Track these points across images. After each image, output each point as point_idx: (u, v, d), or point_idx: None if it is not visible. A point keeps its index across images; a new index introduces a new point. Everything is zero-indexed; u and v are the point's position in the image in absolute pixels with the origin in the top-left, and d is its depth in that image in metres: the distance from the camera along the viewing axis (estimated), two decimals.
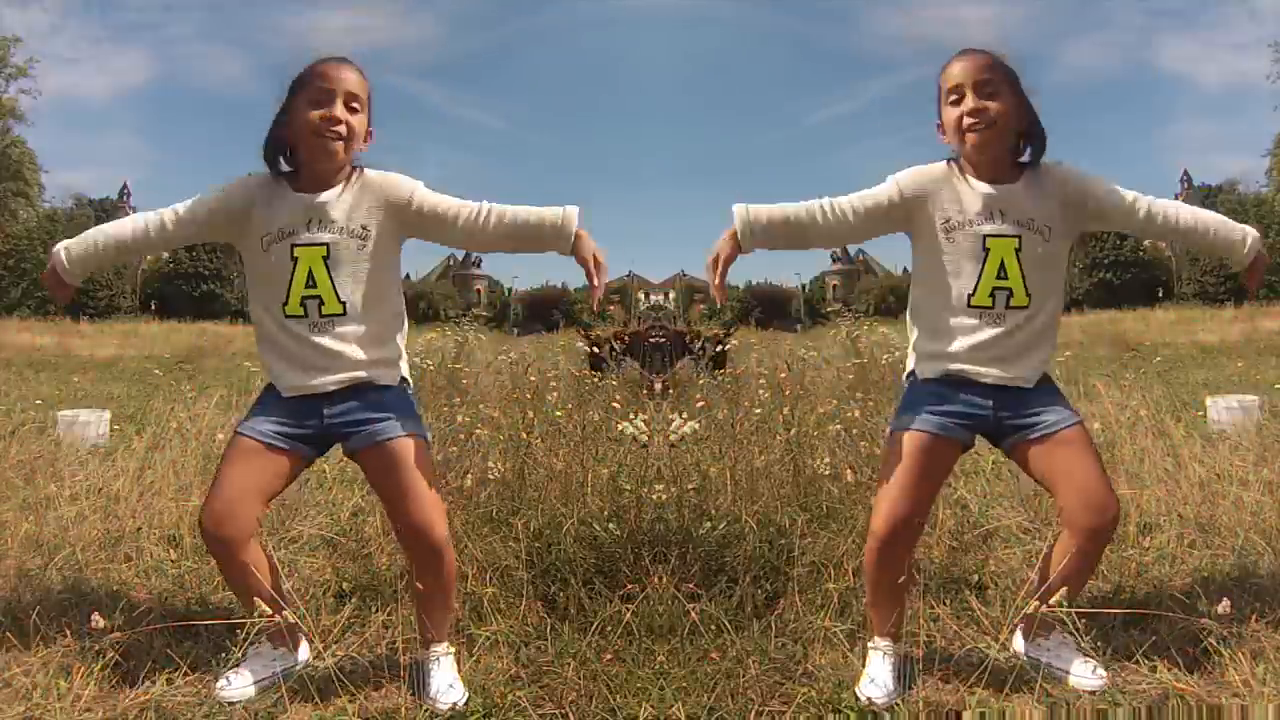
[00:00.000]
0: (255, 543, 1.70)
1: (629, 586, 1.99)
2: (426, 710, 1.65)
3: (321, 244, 1.67)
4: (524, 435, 2.78)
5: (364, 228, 1.69)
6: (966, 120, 1.64)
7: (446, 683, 1.69)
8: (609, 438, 2.79)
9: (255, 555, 1.69)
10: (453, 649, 1.78)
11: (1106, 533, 1.67)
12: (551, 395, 3.53)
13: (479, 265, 59.41)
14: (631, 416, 2.76)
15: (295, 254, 1.66)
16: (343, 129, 1.65)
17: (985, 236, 1.65)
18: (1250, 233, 1.72)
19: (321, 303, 1.67)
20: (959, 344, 1.67)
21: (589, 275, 1.70)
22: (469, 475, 2.67)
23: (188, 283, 32.79)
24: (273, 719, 1.62)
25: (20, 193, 28.34)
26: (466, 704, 1.66)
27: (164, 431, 3.35)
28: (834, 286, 32.54)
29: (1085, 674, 1.66)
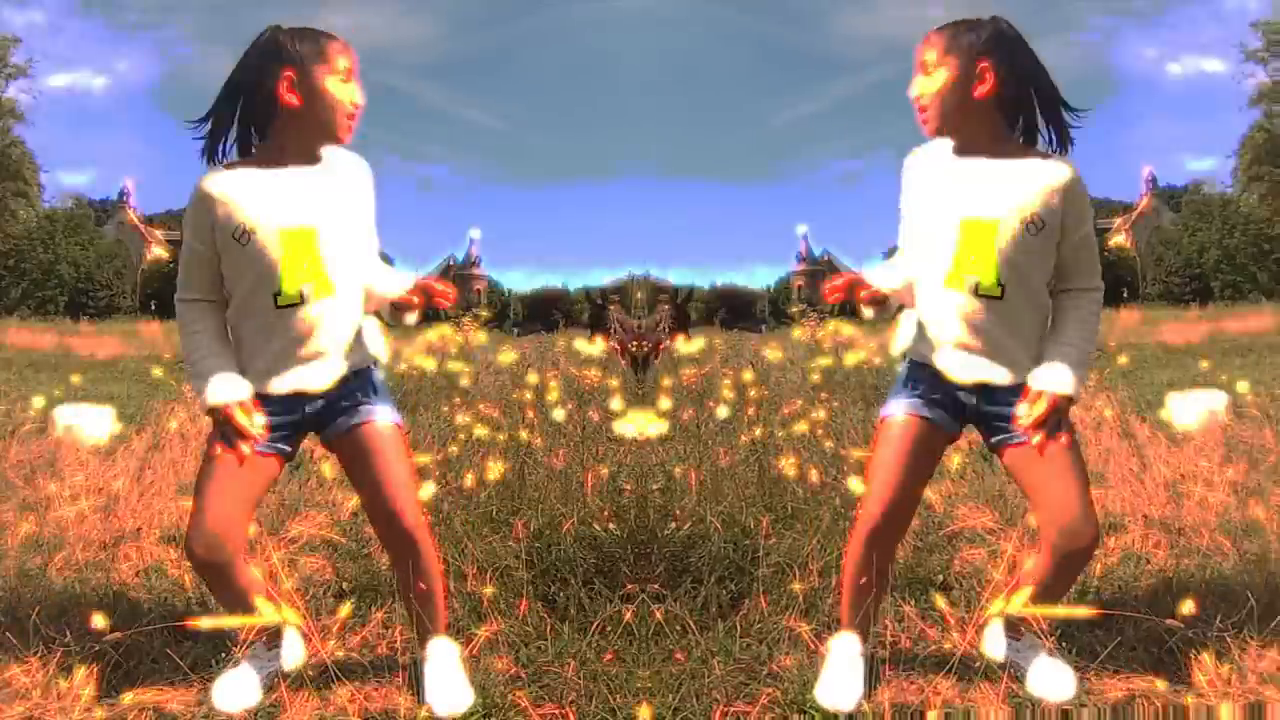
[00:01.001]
0: (245, 558, 1.66)
1: (629, 587, 1.99)
2: (427, 710, 1.65)
3: (311, 226, 1.57)
4: (524, 435, 2.78)
5: (344, 211, 1.62)
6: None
7: (449, 684, 1.67)
8: (609, 438, 2.80)
9: (246, 571, 1.66)
10: (455, 645, 1.77)
11: (1080, 556, 1.60)
12: (552, 395, 3.53)
13: (479, 265, 59.47)
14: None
15: (285, 238, 1.55)
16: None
17: (962, 219, 1.56)
18: (1067, 387, 1.54)
19: (315, 287, 1.58)
20: (936, 331, 1.60)
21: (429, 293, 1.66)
22: (469, 475, 2.67)
23: None
24: (273, 719, 1.62)
25: (20, 193, 28.28)
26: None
27: (164, 431, 3.35)
28: (799, 287, 32.39)
29: (1051, 681, 1.63)
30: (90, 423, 3.92)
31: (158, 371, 6.93)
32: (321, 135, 1.59)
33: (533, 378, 3.33)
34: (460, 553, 2.20)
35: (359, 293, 1.66)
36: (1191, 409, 4.09)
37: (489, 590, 2.05)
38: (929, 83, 1.55)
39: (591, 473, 2.48)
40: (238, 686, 1.65)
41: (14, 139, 26.96)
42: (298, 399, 1.62)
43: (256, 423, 1.57)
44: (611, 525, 2.23)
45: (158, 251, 41.04)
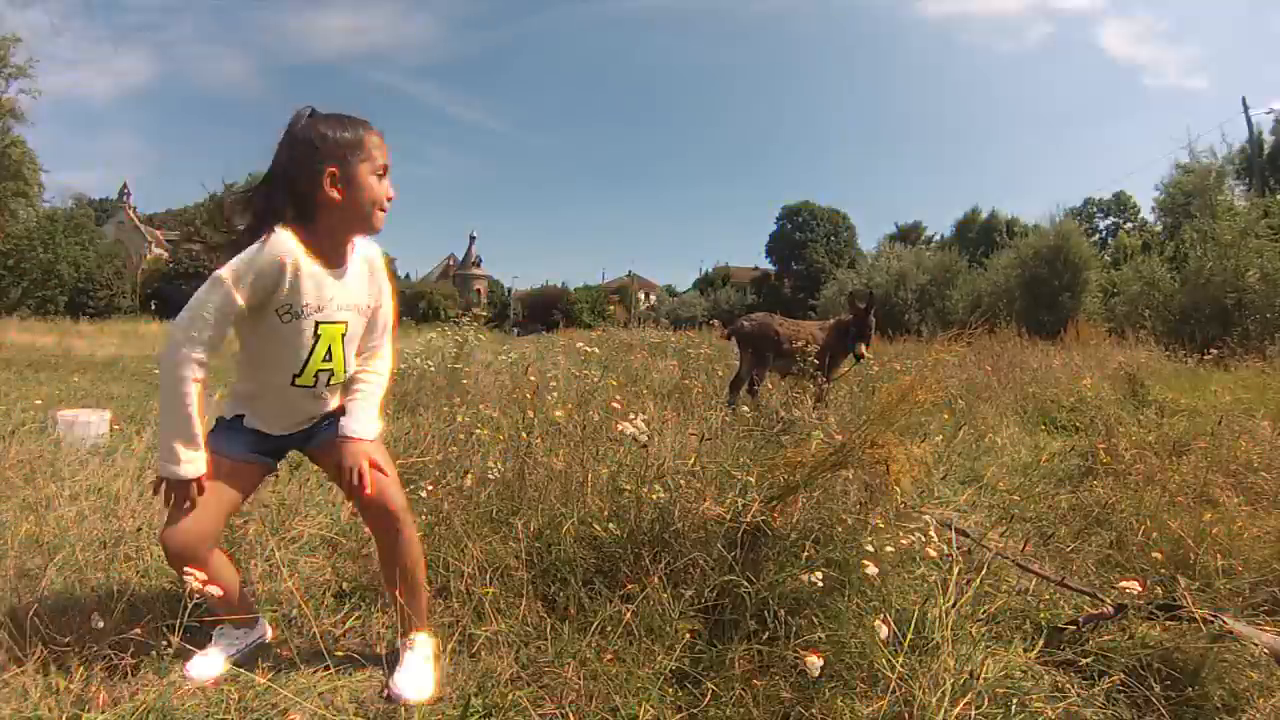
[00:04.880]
0: (216, 553, 1.77)
1: (629, 586, 1.99)
2: (426, 709, 1.65)
3: (342, 322, 1.72)
4: (524, 435, 2.78)
5: (369, 306, 1.79)
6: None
7: (409, 674, 1.73)
8: (609, 438, 2.79)
9: (216, 564, 1.74)
10: (431, 638, 1.82)
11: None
12: (551, 395, 3.53)
13: (479, 265, 59.58)
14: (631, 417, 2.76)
15: (319, 331, 1.69)
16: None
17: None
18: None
19: (332, 374, 1.75)
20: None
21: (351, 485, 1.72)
22: (469, 475, 2.67)
23: (187, 283, 32.80)
24: (273, 719, 1.62)
25: (20, 193, 28.26)
26: (467, 704, 1.66)
27: None
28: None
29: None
30: (90, 423, 3.92)
31: (158, 371, 6.94)
32: (359, 226, 1.69)
33: (533, 377, 3.34)
34: (460, 553, 2.20)
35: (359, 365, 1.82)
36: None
37: (489, 590, 2.05)
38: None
39: (591, 473, 2.47)
40: (207, 662, 1.77)
41: (14, 139, 26.90)
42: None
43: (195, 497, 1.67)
44: (611, 525, 2.23)
45: (157, 251, 41.04)
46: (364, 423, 1.76)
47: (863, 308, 5.17)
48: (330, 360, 1.73)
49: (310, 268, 1.64)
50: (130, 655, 1.72)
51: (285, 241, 1.60)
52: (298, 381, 1.72)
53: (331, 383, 1.77)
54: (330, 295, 1.68)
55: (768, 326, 5.51)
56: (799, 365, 4.97)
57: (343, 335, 1.73)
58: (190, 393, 1.60)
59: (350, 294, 1.73)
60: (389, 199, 1.69)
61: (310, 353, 1.69)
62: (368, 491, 1.71)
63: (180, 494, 1.65)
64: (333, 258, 1.68)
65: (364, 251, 1.76)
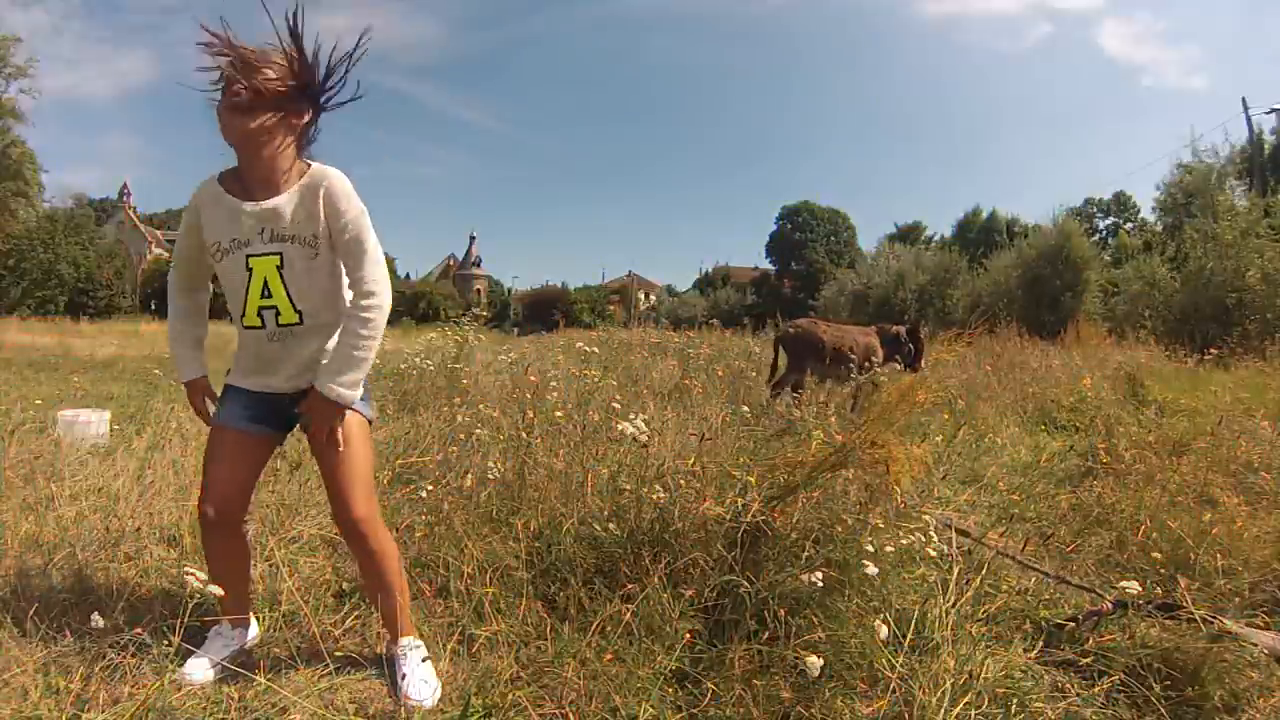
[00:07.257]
0: (242, 529, 1.80)
1: (629, 586, 1.99)
2: (424, 710, 1.65)
3: (274, 254, 1.62)
4: (524, 435, 2.77)
5: (314, 236, 1.62)
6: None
7: (415, 679, 1.72)
8: (609, 438, 2.79)
9: (241, 542, 1.80)
10: (419, 642, 1.81)
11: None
12: (552, 395, 3.53)
13: (479, 265, 59.54)
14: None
15: (249, 265, 1.63)
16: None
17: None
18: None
19: (278, 313, 1.65)
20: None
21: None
22: (469, 475, 2.67)
23: None
24: (272, 719, 1.62)
25: (20, 193, 28.19)
26: (467, 704, 1.66)
27: (164, 431, 3.35)
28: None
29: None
30: (90, 423, 3.92)
31: (158, 371, 6.93)
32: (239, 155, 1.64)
33: (533, 378, 3.33)
34: (460, 553, 2.20)
35: (334, 312, 1.71)
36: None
37: (489, 590, 2.05)
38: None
39: (591, 473, 2.47)
40: (203, 664, 1.77)
41: (15, 139, 26.84)
42: (278, 400, 1.74)
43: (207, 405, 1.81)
44: (611, 525, 2.23)
45: (157, 251, 41.04)
46: (331, 373, 1.62)
47: (912, 329, 5.65)
48: (270, 296, 1.62)
49: (223, 202, 1.61)
50: (130, 655, 1.72)
51: (202, 182, 1.66)
52: (245, 323, 1.66)
53: (281, 322, 1.65)
54: (251, 226, 1.60)
55: (812, 334, 5.60)
56: (839, 371, 5.11)
57: (278, 268, 1.61)
58: (177, 328, 1.82)
59: (284, 225, 1.61)
60: (224, 110, 1.57)
61: (247, 290, 1.63)
62: (318, 448, 1.69)
63: (190, 397, 1.83)
64: (254, 190, 1.61)
65: (313, 180, 1.62)
